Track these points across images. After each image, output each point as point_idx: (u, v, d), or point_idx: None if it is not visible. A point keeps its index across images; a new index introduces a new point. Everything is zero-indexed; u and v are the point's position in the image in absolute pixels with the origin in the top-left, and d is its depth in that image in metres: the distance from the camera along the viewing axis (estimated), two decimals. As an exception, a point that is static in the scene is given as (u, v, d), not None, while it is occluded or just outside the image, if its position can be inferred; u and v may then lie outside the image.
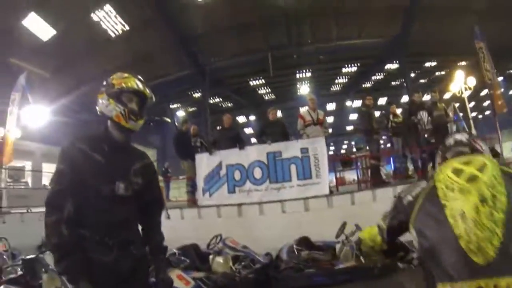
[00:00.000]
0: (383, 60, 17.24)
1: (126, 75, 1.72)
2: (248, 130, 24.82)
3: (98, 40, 12.65)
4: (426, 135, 7.10)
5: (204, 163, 6.82)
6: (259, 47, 14.17)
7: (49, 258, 4.36)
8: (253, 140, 14.84)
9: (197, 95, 18.60)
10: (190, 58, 14.19)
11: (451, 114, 8.21)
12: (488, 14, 11.61)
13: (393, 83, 20.98)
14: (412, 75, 17.59)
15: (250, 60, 14.87)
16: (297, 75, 18.65)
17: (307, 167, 6.26)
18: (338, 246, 4.35)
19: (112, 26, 12.18)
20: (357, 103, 23.63)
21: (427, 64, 18.44)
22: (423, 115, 7.13)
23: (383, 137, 8.93)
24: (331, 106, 24.19)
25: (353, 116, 24.21)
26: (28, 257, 5.23)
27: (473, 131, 8.65)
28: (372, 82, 21.33)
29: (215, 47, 14.05)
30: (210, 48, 14.14)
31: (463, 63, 15.51)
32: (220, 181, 6.63)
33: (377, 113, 8.64)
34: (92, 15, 11.57)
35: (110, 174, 1.62)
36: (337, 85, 21.36)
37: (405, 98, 19.03)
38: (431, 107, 7.30)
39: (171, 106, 20.06)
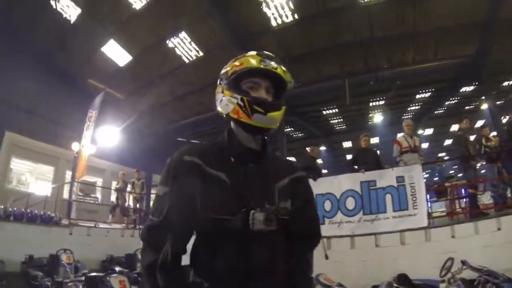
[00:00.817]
0: (458, 83, 16.26)
1: (248, 53, 1.22)
2: (319, 161, 24.34)
3: (171, 66, 13.52)
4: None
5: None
6: (335, 73, 14.04)
7: (115, 282, 4.20)
8: (324, 171, 14.30)
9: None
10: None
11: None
12: None
13: (466, 107, 19.67)
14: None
15: (325, 87, 14.62)
16: (371, 103, 18.20)
17: (403, 197, 5.88)
18: (442, 286, 3.96)
19: (186, 52, 12.99)
20: (429, 131, 23.29)
21: (505, 83, 17.17)
22: None
23: (479, 164, 8.05)
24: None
25: (425, 145, 23.35)
26: (92, 274, 5.22)
27: None
28: (445, 108, 20.20)
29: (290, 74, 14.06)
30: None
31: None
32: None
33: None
34: (167, 41, 12.49)
35: (240, 200, 1.10)
36: (409, 113, 20.53)
37: (479, 123, 17.59)
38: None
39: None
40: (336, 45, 12.77)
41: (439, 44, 13.18)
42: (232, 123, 1.22)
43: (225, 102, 1.18)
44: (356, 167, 6.64)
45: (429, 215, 6.52)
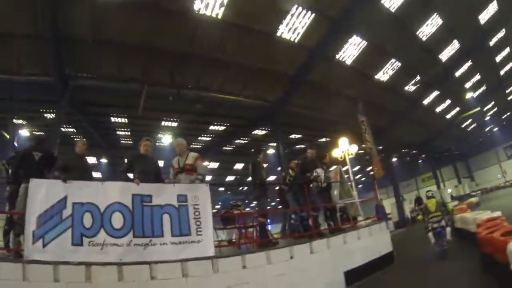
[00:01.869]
0: (253, 124, 17.51)
1: None
2: (97, 175, 20.59)
3: None
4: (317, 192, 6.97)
5: (42, 193, 4.28)
6: (136, 76, 11.99)
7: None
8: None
9: (49, 116, 14.33)
10: (56, 62, 10.65)
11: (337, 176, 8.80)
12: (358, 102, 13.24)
13: (252, 150, 20.84)
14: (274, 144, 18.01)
15: (121, 89, 12.29)
16: (163, 123, 16.74)
17: (184, 219, 4.81)
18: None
19: None
20: (214, 165, 23.61)
21: (293, 136, 19.78)
22: (320, 172, 6.94)
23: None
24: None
25: (208, 178, 22.88)
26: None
27: (354, 192, 9.51)
28: (234, 146, 21.22)
29: (89, 61, 11.16)
30: (83, 60, 11.07)
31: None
32: (62, 226, 4.22)
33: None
34: None
35: None
36: (199, 143, 19.96)
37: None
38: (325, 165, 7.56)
39: (14, 121, 14.21)
40: (148, 46, 10.98)
41: (248, 81, 13.61)
42: None
43: None
44: (131, 175, 5.12)
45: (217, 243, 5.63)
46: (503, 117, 35.94)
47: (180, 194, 4.91)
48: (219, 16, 10.55)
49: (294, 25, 11.75)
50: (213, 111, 15.31)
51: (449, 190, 33.54)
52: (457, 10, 14.20)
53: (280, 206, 9.31)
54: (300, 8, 11.16)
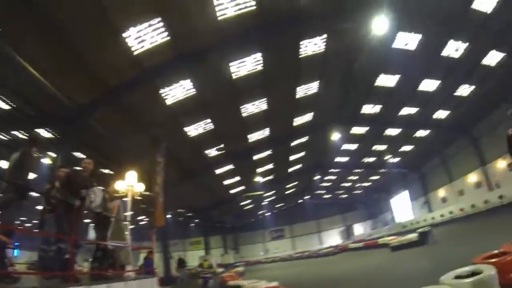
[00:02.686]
0: (41, 120, 14.08)
1: None
2: None
3: None
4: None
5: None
6: None
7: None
8: None
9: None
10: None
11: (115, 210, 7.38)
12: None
13: (27, 137, 18.86)
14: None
15: None
16: None
17: None
18: None
19: None
20: None
21: (77, 153, 16.95)
22: (98, 193, 5.66)
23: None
24: None
25: None
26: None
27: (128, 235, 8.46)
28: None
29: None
30: None
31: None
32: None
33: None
34: None
35: None
36: None
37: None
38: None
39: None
40: None
41: (67, 66, 10.94)
42: None
43: None
44: None
45: None
46: (276, 206, 44.92)
47: None
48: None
49: (145, 37, 10.49)
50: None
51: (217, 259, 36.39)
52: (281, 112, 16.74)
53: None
54: (161, 24, 10.25)
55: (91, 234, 5.59)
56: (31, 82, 9.78)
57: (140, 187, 10.87)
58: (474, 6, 12.66)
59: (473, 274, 2.91)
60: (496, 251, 3.68)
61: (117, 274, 6.47)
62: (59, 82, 10.65)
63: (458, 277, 2.95)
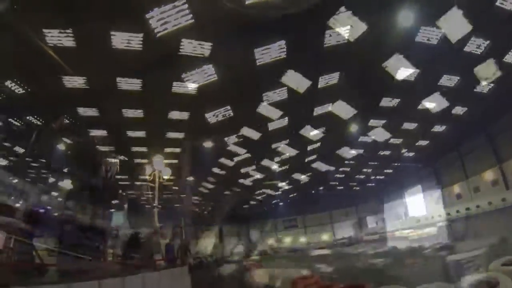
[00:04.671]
0: None
1: None
2: None
3: None
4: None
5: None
6: None
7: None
8: None
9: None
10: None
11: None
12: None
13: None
14: None
15: None
16: None
17: None
18: None
19: None
20: None
21: None
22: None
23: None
24: None
25: None
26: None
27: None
28: None
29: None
30: None
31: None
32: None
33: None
34: None
35: None
36: None
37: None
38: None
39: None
40: None
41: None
42: None
43: None
44: None
45: None
46: (289, 196, 45.15)
47: None
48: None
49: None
50: None
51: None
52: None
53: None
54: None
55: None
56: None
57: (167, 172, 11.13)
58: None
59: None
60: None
61: (149, 263, 6.47)
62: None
63: (504, 264, 3.23)
